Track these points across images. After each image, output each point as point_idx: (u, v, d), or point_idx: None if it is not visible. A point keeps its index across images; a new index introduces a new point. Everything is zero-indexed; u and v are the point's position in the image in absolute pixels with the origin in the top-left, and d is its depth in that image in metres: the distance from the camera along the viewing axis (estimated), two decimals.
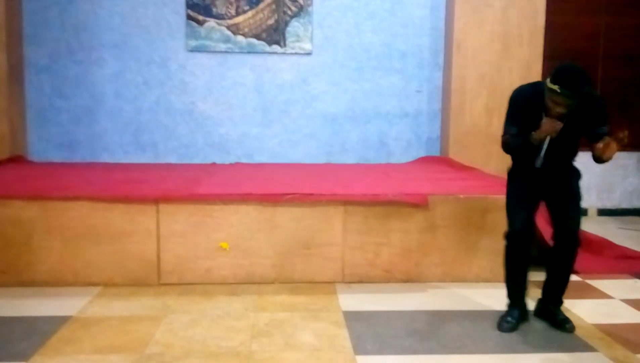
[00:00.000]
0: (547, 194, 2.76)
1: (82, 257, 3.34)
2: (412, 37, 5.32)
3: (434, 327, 2.80)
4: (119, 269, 3.35)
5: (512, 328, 2.74)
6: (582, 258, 3.74)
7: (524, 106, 2.67)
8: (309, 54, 5.28)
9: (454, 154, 5.04)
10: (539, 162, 2.60)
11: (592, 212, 5.70)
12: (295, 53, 5.27)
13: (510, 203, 2.83)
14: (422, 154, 5.39)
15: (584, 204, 5.63)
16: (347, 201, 3.41)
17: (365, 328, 2.76)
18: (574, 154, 2.76)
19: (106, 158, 5.19)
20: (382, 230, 3.44)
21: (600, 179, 5.66)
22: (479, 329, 2.78)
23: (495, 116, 5.01)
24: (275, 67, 5.29)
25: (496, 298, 3.16)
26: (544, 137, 2.54)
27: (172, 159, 5.25)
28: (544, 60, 5.07)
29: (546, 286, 2.87)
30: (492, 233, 3.44)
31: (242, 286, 3.34)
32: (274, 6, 5.21)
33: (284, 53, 5.26)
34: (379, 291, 3.29)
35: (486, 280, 3.45)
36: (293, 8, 5.21)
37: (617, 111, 5.59)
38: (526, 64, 5.03)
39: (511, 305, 2.83)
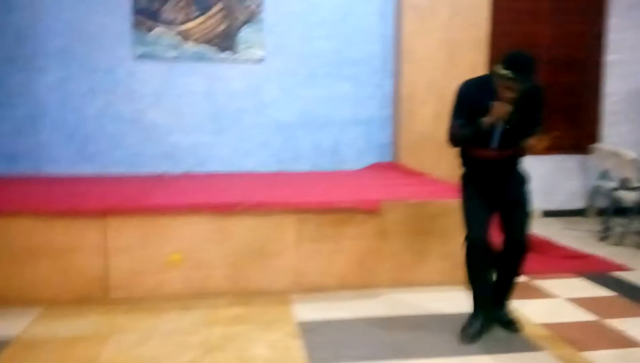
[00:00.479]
0: (498, 200, 2.79)
1: (25, 275, 3.19)
2: (363, 44, 5.38)
3: (388, 333, 2.82)
4: (64, 286, 3.22)
5: (475, 336, 2.72)
6: (528, 259, 3.88)
7: (471, 98, 2.71)
8: (261, 60, 5.25)
9: (405, 160, 5.13)
10: (495, 143, 2.64)
11: (536, 213, 5.91)
12: (247, 60, 5.23)
13: (467, 208, 2.83)
14: (375, 160, 5.45)
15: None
16: (300, 210, 3.40)
17: (320, 338, 2.75)
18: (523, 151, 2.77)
19: (50, 170, 4.97)
20: (336, 238, 3.45)
21: (544, 182, 5.88)
22: (432, 333, 2.82)
23: (443, 122, 5.05)
24: (227, 74, 5.23)
25: (447, 301, 3.24)
26: (494, 120, 2.58)
27: (120, 170, 5.09)
28: (489, 67, 5.23)
29: (494, 289, 2.94)
30: (442, 236, 3.52)
31: (194, 299, 3.27)
32: (224, 12, 5.16)
33: (235, 60, 5.21)
34: (334, 299, 3.30)
35: (437, 284, 3.51)
36: (244, 15, 5.17)
37: (560, 115, 5.84)
38: (472, 71, 5.10)
39: (476, 311, 2.82)
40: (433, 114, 5.14)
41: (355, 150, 5.45)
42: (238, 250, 3.35)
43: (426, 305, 3.20)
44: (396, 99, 5.32)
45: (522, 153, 2.74)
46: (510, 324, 2.84)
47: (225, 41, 5.17)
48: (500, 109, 2.55)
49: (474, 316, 2.81)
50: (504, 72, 2.51)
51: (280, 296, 3.33)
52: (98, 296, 3.25)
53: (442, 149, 5.09)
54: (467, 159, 2.88)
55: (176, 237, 3.30)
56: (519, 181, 2.84)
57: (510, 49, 2.67)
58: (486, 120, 2.58)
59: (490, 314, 2.84)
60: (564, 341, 2.70)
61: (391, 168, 5.12)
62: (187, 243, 3.31)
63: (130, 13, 5.04)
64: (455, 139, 2.79)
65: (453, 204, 3.52)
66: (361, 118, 5.44)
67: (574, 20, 5.77)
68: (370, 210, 3.43)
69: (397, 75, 5.30)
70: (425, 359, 2.54)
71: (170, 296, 3.30)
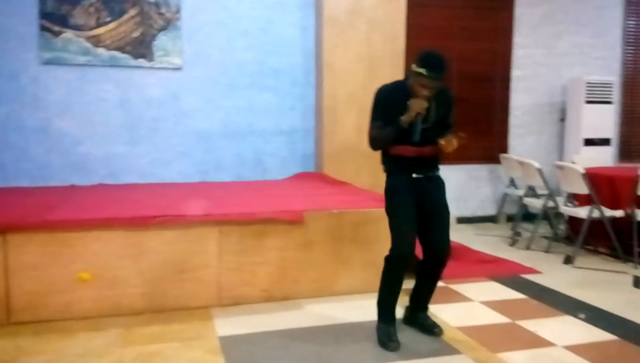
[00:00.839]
0: (423, 206, 2.82)
1: None
2: (284, 55, 5.38)
3: (311, 344, 2.79)
4: None
5: (399, 346, 2.74)
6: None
7: (388, 100, 2.77)
8: (178, 69, 5.10)
9: (328, 170, 5.17)
10: (416, 137, 2.69)
11: (451, 221, 6.15)
12: (164, 68, 5.06)
13: (396, 218, 2.80)
14: (298, 170, 5.45)
15: None
16: (222, 221, 3.31)
17: (242, 353, 2.67)
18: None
19: None
20: (259, 249, 3.39)
21: (458, 190, 6.15)
22: (355, 341, 2.83)
23: (364, 133, 5.20)
24: (142, 81, 5.03)
25: (370, 309, 3.26)
26: (413, 116, 2.65)
27: (24, 183, 4.73)
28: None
29: (415, 295, 3.01)
30: (364, 245, 3.56)
31: (107, 319, 3.07)
32: (138, 18, 4.97)
33: (151, 67, 5.03)
34: (257, 312, 3.23)
35: (360, 292, 3.53)
36: (160, 21, 5.01)
37: (472, 127, 6.14)
38: None
39: (387, 322, 2.84)
40: (354, 125, 5.23)
41: (279, 160, 5.43)
42: (155, 265, 3.20)
43: (349, 314, 3.21)
44: (318, 110, 5.36)
45: (439, 152, 2.81)
46: (432, 328, 2.91)
47: (139, 48, 4.98)
48: (417, 105, 2.64)
49: (388, 327, 2.81)
50: (419, 69, 2.62)
51: (201, 311, 3.21)
52: (0, 318, 2.98)
53: (364, 159, 5.22)
54: (390, 161, 2.87)
55: (86, 254, 3.09)
56: (440, 186, 2.92)
57: (424, 49, 2.77)
58: (405, 118, 2.66)
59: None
60: (480, 343, 2.80)
61: (314, 177, 5.14)
62: (99, 260, 3.11)
63: (36, 17, 4.73)
64: (376, 140, 2.81)
65: (375, 213, 3.58)
66: (284, 129, 5.43)
67: (483, 38, 6.11)
68: (294, 220, 3.41)
69: (318, 87, 5.35)
70: None
71: (81, 316, 3.08)
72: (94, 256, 3.10)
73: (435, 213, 2.84)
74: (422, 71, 2.61)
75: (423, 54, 2.68)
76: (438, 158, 2.88)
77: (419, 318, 2.97)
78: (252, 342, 2.81)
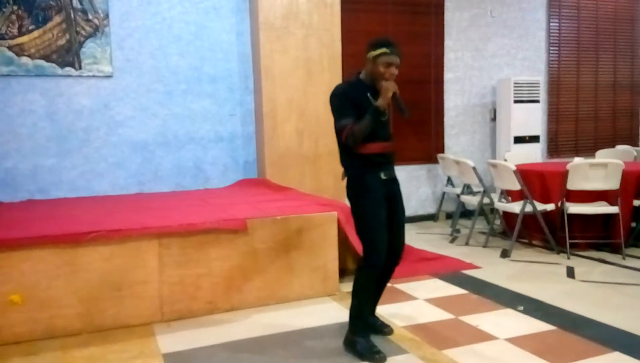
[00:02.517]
0: (390, 207, 2.73)
1: None
2: (220, 61, 5.30)
3: (258, 355, 2.74)
4: None
5: (385, 356, 2.62)
6: None
7: (350, 96, 2.70)
8: (109, 77, 4.91)
9: (270, 176, 5.12)
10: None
11: None
12: (94, 76, 4.85)
13: (371, 224, 2.65)
14: (240, 177, 5.38)
15: None
16: (162, 234, 3.19)
17: None
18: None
19: None
20: (202, 260, 3.30)
21: None
22: (302, 348, 2.80)
23: (305, 137, 5.24)
24: (70, 91, 4.81)
25: (317, 314, 3.26)
26: (389, 97, 2.61)
27: None
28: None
29: None
30: (309, 250, 3.55)
31: (41, 342, 2.89)
32: (64, 25, 4.74)
33: (79, 76, 4.81)
34: (202, 326, 3.14)
35: (307, 297, 3.52)
36: (87, 28, 4.80)
37: (410, 129, 6.29)
38: (329, 88, 5.18)
39: (366, 335, 2.73)
40: (295, 130, 5.22)
41: (220, 168, 5.33)
42: (91, 283, 3.04)
43: (297, 321, 3.18)
44: (258, 115, 5.31)
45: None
46: (383, 328, 2.93)
47: (66, 56, 4.76)
48: (389, 85, 2.63)
49: (368, 337, 2.72)
50: (378, 50, 2.66)
51: (142, 328, 3.08)
52: None
53: (307, 163, 5.23)
54: (356, 161, 2.72)
55: (15, 275, 2.89)
56: (398, 185, 2.86)
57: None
58: (381, 101, 2.62)
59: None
60: (425, 341, 2.84)
61: (257, 184, 5.08)
62: (30, 281, 2.92)
63: None
64: (354, 135, 2.62)
65: (319, 218, 3.58)
66: (223, 135, 5.34)
67: (416, 42, 6.26)
68: (237, 229, 3.34)
69: (257, 92, 5.30)
70: None
71: (13, 341, 2.88)
72: (23, 277, 2.91)
73: (398, 216, 2.81)
74: (382, 50, 2.65)
75: (374, 40, 2.74)
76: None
77: (369, 320, 2.96)
78: (198, 357, 2.73)
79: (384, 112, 2.69)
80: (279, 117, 5.18)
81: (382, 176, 2.72)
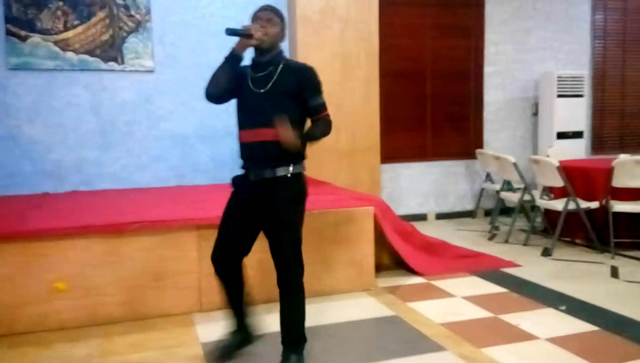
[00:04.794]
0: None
1: None
2: None
3: None
4: None
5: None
6: (425, 261, 4.04)
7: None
8: (150, 71, 5.01)
9: (307, 170, 5.11)
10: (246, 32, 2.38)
11: (430, 217, 6.21)
12: (136, 70, 4.96)
13: (300, 236, 2.51)
14: None
15: (423, 209, 6.09)
16: (201, 225, 3.25)
17: (224, 360, 2.62)
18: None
19: None
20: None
21: (436, 186, 6.19)
22: (339, 342, 2.80)
23: (341, 132, 5.22)
24: (114, 85, 4.93)
25: (354, 308, 3.26)
26: (248, 43, 2.40)
27: None
28: (380, 78, 5.42)
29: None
30: (345, 244, 3.54)
31: (85, 329, 2.99)
32: (107, 21, 4.87)
33: (122, 70, 4.93)
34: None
35: (342, 291, 3.52)
36: (130, 24, 4.92)
37: (448, 124, 6.20)
38: (365, 83, 5.32)
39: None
40: (332, 125, 5.20)
41: None
42: (133, 272, 3.12)
43: (333, 315, 3.19)
44: None
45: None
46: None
47: (109, 51, 4.88)
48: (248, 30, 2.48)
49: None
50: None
51: (182, 318, 3.15)
52: None
53: (342, 158, 5.22)
54: (302, 151, 2.50)
55: (61, 263, 3.00)
56: (281, 188, 2.52)
57: None
58: (235, 46, 2.51)
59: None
60: (464, 339, 2.80)
61: None
62: (75, 269, 3.02)
63: (1, 22, 4.60)
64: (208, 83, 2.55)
65: (356, 212, 3.57)
66: None
67: (455, 35, 6.16)
68: None
69: None
70: None
71: (58, 327, 2.99)
72: (69, 266, 3.01)
73: (270, 225, 2.47)
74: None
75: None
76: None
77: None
78: None
79: (239, 57, 2.43)
80: None
81: (250, 176, 2.42)
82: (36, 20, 4.69)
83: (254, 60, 2.46)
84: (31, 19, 4.67)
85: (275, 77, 2.41)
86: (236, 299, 2.59)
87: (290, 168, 2.43)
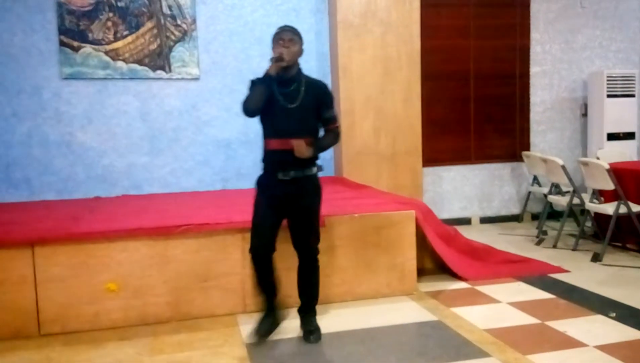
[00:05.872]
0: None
1: None
2: (300, 61, 5.38)
3: (336, 349, 2.78)
4: None
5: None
6: (468, 266, 3.98)
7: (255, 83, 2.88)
8: (196, 79, 5.16)
9: (347, 174, 5.16)
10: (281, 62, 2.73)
11: (474, 220, 6.10)
12: (182, 78, 5.12)
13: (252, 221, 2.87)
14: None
15: (467, 213, 6.00)
16: (246, 228, 3.30)
17: (269, 359, 2.67)
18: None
19: None
20: (283, 255, 3.36)
21: (480, 190, 6.09)
22: (380, 345, 2.80)
23: (382, 135, 5.22)
24: (161, 93, 5.10)
25: (395, 312, 3.25)
26: (278, 65, 2.72)
27: (50, 196, 4.83)
28: (422, 81, 5.39)
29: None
30: (387, 248, 3.54)
31: (135, 328, 3.11)
32: (155, 31, 5.04)
33: (169, 78, 5.09)
34: (282, 318, 3.22)
35: (384, 295, 3.52)
36: (177, 33, 5.08)
37: (492, 125, 6.09)
38: (407, 86, 5.30)
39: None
40: (372, 127, 5.22)
41: None
42: (180, 274, 3.22)
43: (375, 318, 3.19)
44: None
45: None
46: (307, 335, 2.89)
47: (157, 60, 5.05)
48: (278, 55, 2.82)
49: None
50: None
51: (227, 318, 3.23)
52: (30, 331, 3.03)
53: (384, 161, 5.21)
54: (263, 158, 2.92)
55: (112, 264, 3.13)
56: (303, 186, 2.89)
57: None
58: (269, 69, 2.78)
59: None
60: (508, 345, 2.75)
61: (334, 182, 5.13)
62: (125, 270, 3.14)
63: (55, 34, 4.83)
64: (244, 102, 2.85)
65: (397, 216, 3.56)
66: None
67: (499, 35, 6.05)
68: None
69: (335, 91, 5.34)
70: None
71: (109, 326, 3.12)
72: (120, 267, 3.13)
73: (296, 216, 2.88)
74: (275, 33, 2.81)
75: None
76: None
77: (301, 320, 3.02)
78: (279, 347, 2.81)
79: (274, 79, 2.73)
80: (356, 115, 5.20)
81: (279, 176, 2.76)
82: (87, 31, 4.90)
83: (278, 76, 2.75)
84: (83, 30, 4.89)
85: (302, 94, 2.77)
86: (270, 284, 2.89)
87: (314, 169, 2.84)
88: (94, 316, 3.11)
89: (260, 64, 5.28)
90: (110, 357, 2.75)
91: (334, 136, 2.90)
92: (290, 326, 3.09)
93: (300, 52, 2.83)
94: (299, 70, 2.85)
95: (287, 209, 2.82)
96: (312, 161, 2.80)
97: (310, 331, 2.89)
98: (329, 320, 3.19)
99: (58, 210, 3.98)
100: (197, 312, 3.25)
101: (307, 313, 2.96)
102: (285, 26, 2.84)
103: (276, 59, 2.71)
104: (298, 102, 2.75)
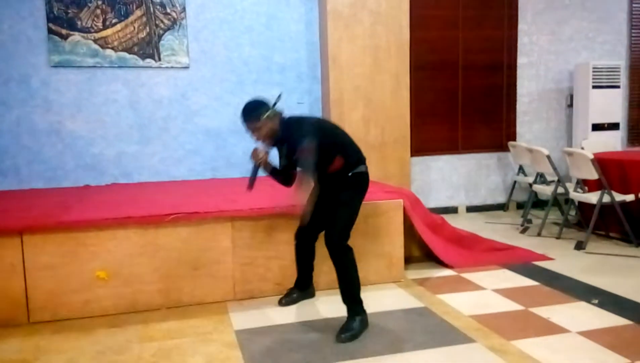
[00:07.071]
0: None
1: None
2: (289, 51, 5.40)
3: (326, 336, 2.83)
4: None
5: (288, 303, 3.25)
6: (455, 254, 4.05)
7: None
8: (186, 68, 5.14)
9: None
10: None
11: (461, 209, 6.18)
12: (172, 67, 5.10)
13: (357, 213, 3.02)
14: None
15: (454, 202, 6.07)
16: (235, 217, 3.35)
17: (258, 346, 2.71)
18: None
19: None
20: (272, 243, 3.43)
21: (467, 179, 6.16)
22: (368, 332, 2.85)
23: (371, 125, 5.26)
24: (151, 81, 5.08)
25: (383, 299, 3.30)
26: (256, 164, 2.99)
27: (39, 185, 4.81)
28: (410, 71, 5.42)
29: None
30: (375, 237, 3.59)
31: (125, 316, 3.13)
32: (144, 19, 5.01)
33: (159, 67, 5.07)
34: (272, 305, 3.27)
35: (372, 282, 3.57)
36: (166, 21, 5.05)
37: (479, 115, 6.14)
38: (395, 76, 5.33)
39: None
40: (362, 117, 5.25)
41: None
42: (170, 262, 3.25)
43: (363, 304, 3.23)
44: (325, 104, 5.38)
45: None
46: (339, 334, 2.81)
47: (146, 48, 5.03)
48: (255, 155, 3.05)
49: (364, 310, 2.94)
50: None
51: (216, 306, 3.26)
52: (19, 319, 3.04)
53: (372, 151, 5.25)
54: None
55: (102, 253, 3.14)
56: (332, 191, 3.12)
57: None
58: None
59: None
60: (493, 331, 2.82)
61: None
62: (114, 258, 3.16)
63: (44, 21, 4.79)
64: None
65: (385, 205, 3.60)
66: None
67: (488, 26, 6.09)
68: None
69: (324, 81, 5.37)
70: (364, 359, 2.56)
71: (99, 314, 3.14)
72: (109, 255, 3.15)
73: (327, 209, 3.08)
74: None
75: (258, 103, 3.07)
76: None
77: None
78: (268, 334, 2.86)
79: (274, 168, 3.10)
80: (346, 105, 5.23)
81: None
82: (76, 19, 4.86)
83: (272, 147, 3.05)
84: (72, 18, 4.85)
85: (284, 151, 3.03)
86: (307, 267, 3.29)
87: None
88: (84, 304, 3.13)
89: (249, 53, 5.28)
90: (101, 344, 2.77)
91: (291, 177, 3.10)
92: (281, 314, 3.14)
93: (271, 124, 2.92)
94: (281, 125, 2.96)
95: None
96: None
97: (340, 329, 2.81)
98: (317, 307, 3.24)
99: (47, 199, 3.98)
100: (187, 300, 3.28)
101: (347, 308, 2.89)
102: (241, 116, 2.99)
103: (256, 168, 3.00)
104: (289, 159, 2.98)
